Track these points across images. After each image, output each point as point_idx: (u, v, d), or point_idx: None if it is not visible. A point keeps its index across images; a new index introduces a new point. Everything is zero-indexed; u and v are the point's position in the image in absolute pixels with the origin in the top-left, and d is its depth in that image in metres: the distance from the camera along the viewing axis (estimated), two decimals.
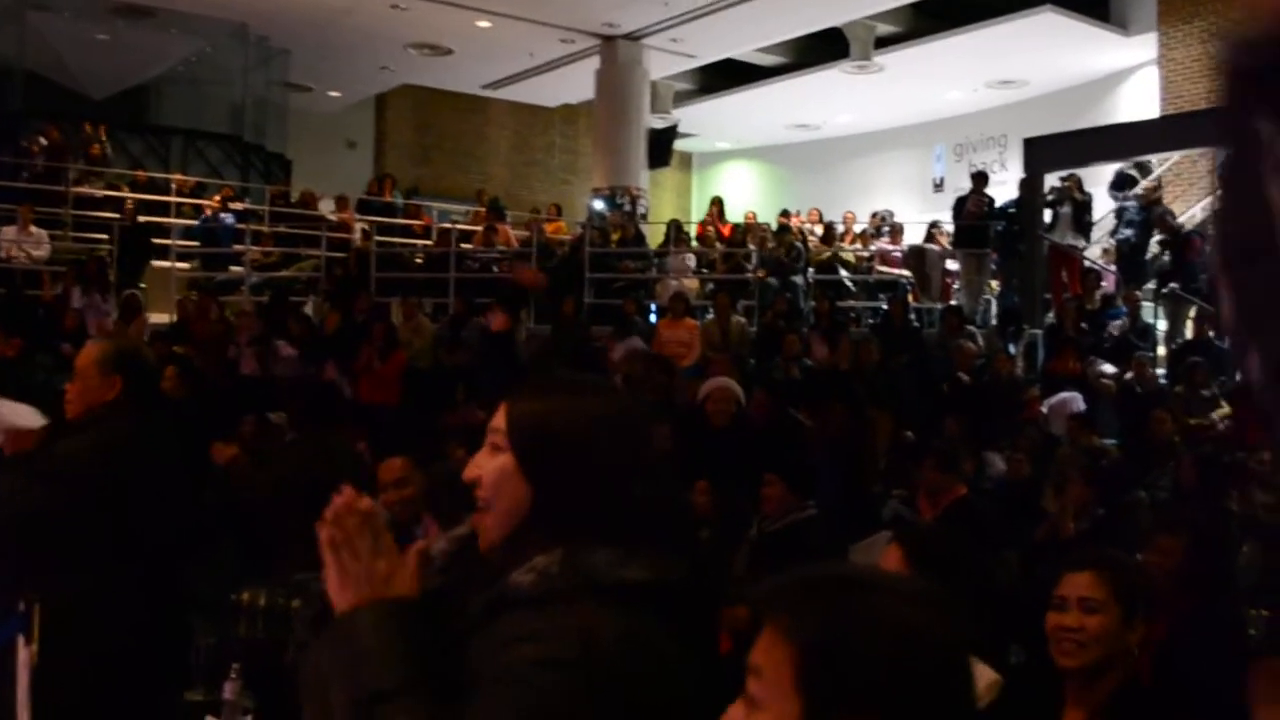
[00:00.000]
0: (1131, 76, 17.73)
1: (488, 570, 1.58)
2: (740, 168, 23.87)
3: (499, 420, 1.63)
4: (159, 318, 13.30)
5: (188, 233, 14.90)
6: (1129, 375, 10.74)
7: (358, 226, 15.77)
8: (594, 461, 1.58)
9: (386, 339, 11.09)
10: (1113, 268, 13.33)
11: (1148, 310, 12.16)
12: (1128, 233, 13.14)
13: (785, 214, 15.65)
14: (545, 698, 1.44)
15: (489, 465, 1.62)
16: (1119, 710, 2.56)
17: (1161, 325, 12.16)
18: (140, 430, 3.65)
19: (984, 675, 3.01)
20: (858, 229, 16.22)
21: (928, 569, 2.99)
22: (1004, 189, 14.69)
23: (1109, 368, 11.05)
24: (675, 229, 14.72)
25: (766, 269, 13.63)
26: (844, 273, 14.65)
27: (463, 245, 15.05)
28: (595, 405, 1.63)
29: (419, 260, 15.15)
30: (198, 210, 15.60)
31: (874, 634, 1.16)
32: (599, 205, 16.59)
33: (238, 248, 14.54)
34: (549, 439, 1.59)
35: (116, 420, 3.61)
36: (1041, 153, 12.66)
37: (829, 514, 5.74)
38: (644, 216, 16.48)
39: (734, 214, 16.40)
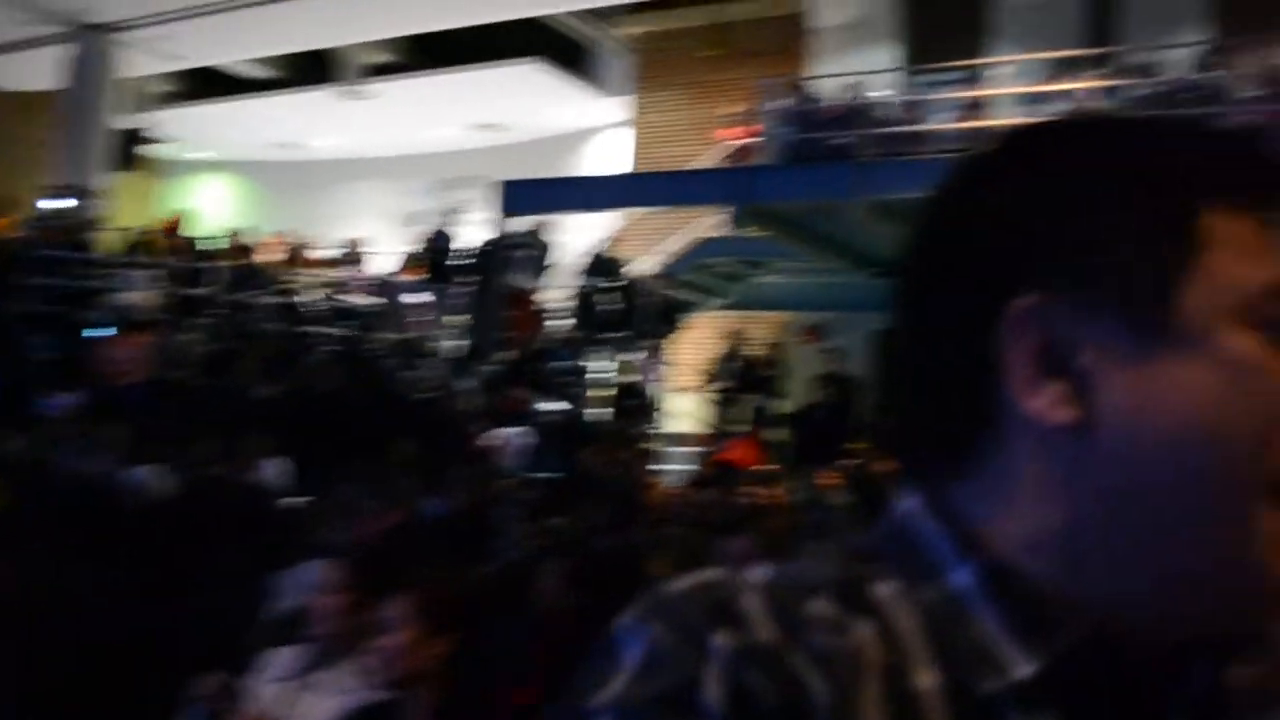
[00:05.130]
0: (606, 133, 18.82)
1: None
2: (217, 181, 22.83)
3: None
4: None
5: None
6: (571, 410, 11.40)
7: None
8: None
9: None
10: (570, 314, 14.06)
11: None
12: (584, 281, 13.99)
13: (235, 234, 15.00)
14: None
15: None
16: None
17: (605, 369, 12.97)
18: None
19: None
20: (327, 254, 16.03)
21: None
22: (477, 229, 15.08)
23: (553, 405, 11.65)
24: (136, 239, 13.85)
25: (225, 287, 13.14)
26: (306, 297, 14.41)
27: None
28: None
29: None
30: None
31: None
32: (51, 204, 15.28)
33: None
34: None
35: None
36: (514, 196, 13.10)
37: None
38: (98, 222, 15.36)
39: (210, 229, 15.66)
